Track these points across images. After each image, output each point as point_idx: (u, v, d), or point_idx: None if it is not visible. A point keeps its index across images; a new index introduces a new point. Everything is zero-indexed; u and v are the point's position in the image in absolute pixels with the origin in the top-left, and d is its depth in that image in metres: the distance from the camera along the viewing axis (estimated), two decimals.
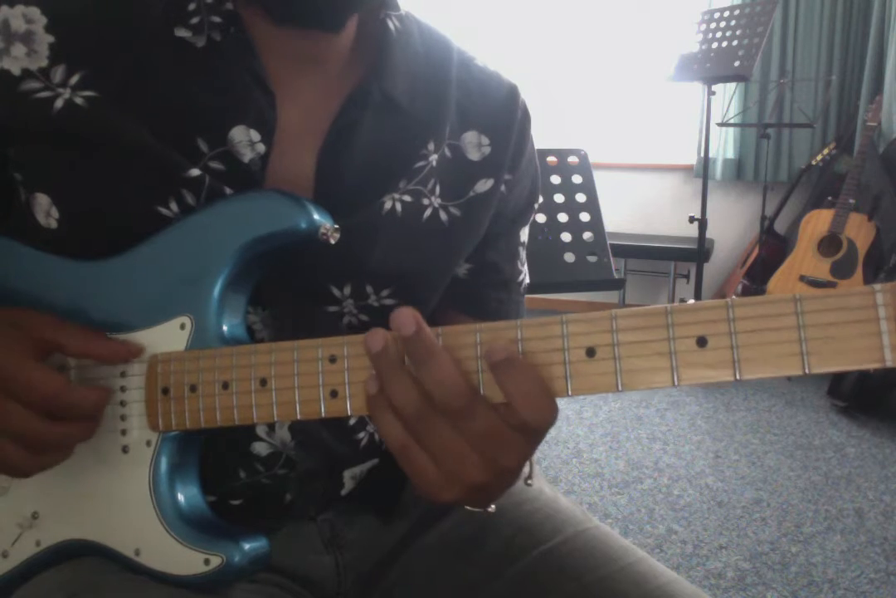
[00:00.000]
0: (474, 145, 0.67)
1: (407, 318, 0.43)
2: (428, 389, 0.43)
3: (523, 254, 0.76)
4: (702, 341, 0.41)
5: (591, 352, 0.43)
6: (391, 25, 0.63)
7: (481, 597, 0.65)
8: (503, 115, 0.70)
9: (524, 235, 0.76)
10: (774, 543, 1.92)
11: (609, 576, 0.63)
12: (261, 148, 0.58)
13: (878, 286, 0.37)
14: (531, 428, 0.44)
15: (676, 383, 0.41)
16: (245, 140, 0.58)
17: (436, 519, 0.71)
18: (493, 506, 0.53)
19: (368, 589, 0.70)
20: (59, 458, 0.55)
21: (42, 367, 0.52)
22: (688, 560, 1.85)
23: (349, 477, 0.68)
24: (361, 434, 0.68)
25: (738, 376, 0.40)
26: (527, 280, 0.77)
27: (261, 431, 0.62)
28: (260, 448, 0.62)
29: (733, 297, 0.40)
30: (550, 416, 0.43)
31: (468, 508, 0.52)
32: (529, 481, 0.54)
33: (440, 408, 0.44)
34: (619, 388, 0.43)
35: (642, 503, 2.14)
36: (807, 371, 0.38)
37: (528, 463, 0.50)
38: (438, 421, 0.44)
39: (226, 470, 0.61)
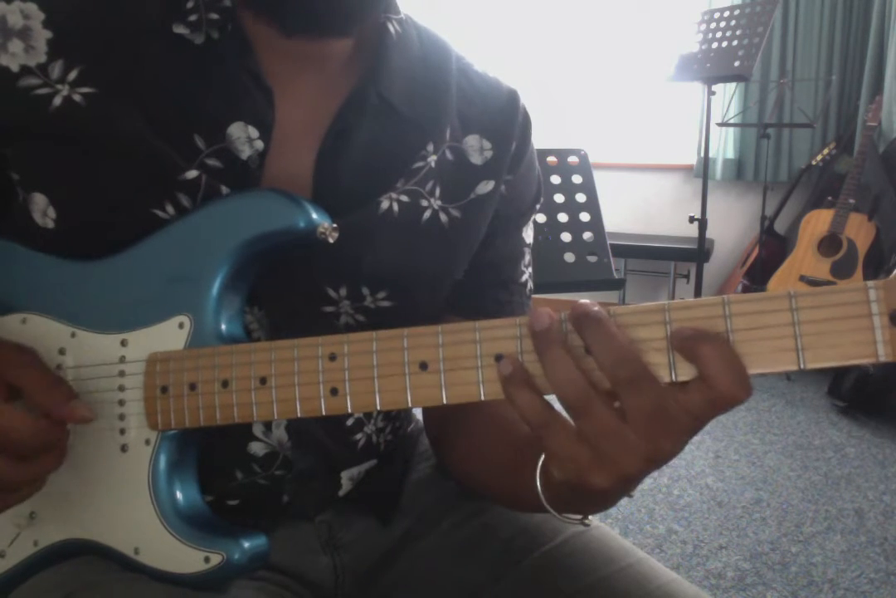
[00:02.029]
0: (476, 149, 0.67)
1: (586, 301, 0.43)
2: (599, 360, 0.42)
3: (528, 256, 0.75)
4: None
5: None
6: (391, 29, 0.63)
7: None
8: (504, 119, 0.70)
9: (528, 237, 0.75)
10: (774, 543, 1.92)
11: (609, 576, 0.63)
12: (259, 145, 0.58)
13: (871, 283, 0.38)
14: (716, 406, 0.41)
15: (674, 378, 0.41)
16: (243, 137, 0.58)
17: (435, 521, 0.71)
18: (590, 518, 0.51)
19: (367, 590, 0.70)
20: (31, 493, 0.56)
21: (9, 410, 0.52)
22: (688, 560, 1.85)
23: (347, 478, 0.68)
24: (359, 435, 0.68)
25: None
26: (531, 284, 0.76)
27: (257, 431, 0.62)
28: (257, 448, 0.62)
29: (730, 295, 0.40)
30: (746, 391, 0.40)
31: (565, 518, 0.50)
32: (587, 522, 0.53)
33: (611, 379, 0.42)
34: None
35: (642, 503, 2.14)
36: (802, 367, 0.38)
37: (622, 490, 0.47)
38: (600, 401, 0.42)
39: (223, 470, 0.61)
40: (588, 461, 0.43)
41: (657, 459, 0.43)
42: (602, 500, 0.48)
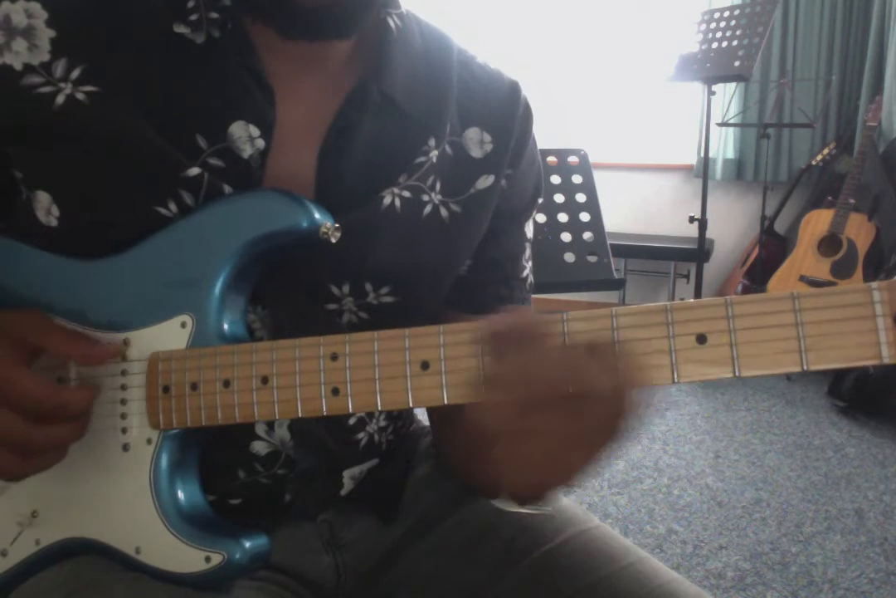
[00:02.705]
0: (476, 142, 0.67)
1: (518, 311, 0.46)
2: (532, 370, 0.43)
3: (528, 251, 0.75)
4: (701, 339, 0.41)
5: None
6: (392, 24, 0.63)
7: None
8: (505, 111, 0.69)
9: (529, 232, 0.75)
10: (774, 543, 1.92)
11: (610, 576, 0.63)
12: (260, 143, 0.58)
13: (874, 284, 0.38)
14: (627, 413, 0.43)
15: (676, 380, 0.41)
16: (244, 136, 0.58)
17: (436, 520, 0.71)
18: (550, 507, 0.52)
19: (369, 590, 0.70)
20: (52, 460, 0.55)
21: (28, 372, 0.52)
22: (688, 560, 1.85)
23: (348, 477, 0.68)
24: (361, 435, 0.68)
25: (737, 373, 0.40)
26: (531, 278, 0.76)
27: (260, 429, 0.62)
28: (259, 447, 0.62)
29: (733, 296, 0.40)
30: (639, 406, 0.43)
31: (526, 510, 0.52)
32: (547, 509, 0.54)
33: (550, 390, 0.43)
34: None
35: (642, 503, 2.14)
36: (805, 368, 0.38)
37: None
38: (551, 404, 0.43)
39: (225, 470, 0.61)
40: (544, 467, 0.45)
41: (598, 460, 0.45)
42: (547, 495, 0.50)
